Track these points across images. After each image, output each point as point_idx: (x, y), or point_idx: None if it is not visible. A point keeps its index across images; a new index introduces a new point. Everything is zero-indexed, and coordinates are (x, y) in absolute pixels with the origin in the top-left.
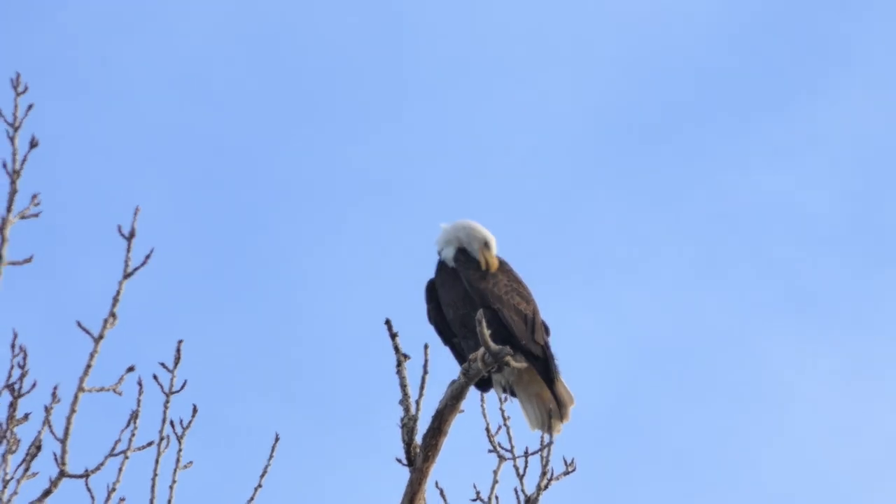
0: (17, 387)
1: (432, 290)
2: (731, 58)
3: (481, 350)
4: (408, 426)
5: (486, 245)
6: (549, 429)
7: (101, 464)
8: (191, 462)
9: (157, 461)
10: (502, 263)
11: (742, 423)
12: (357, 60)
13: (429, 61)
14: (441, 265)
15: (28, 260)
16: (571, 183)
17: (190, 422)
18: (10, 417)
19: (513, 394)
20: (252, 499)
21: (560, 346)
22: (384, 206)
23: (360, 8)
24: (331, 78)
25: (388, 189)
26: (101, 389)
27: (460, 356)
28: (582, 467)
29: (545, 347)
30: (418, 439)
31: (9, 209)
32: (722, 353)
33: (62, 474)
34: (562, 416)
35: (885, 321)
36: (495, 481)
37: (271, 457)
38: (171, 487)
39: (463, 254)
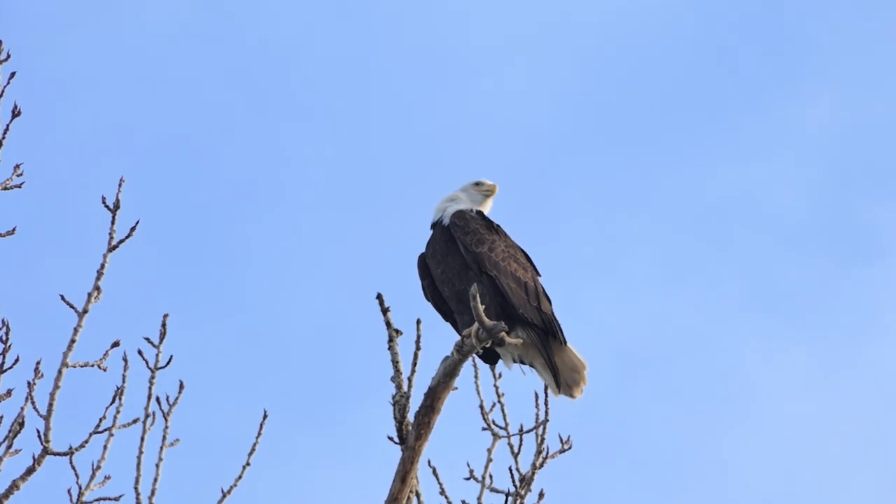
0: None
1: (425, 266)
2: (696, 55)
3: (475, 326)
4: (400, 403)
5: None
6: (570, 392)
7: (86, 441)
8: (177, 440)
9: (142, 439)
10: (500, 229)
11: (712, 421)
12: (326, 53)
13: (395, 55)
14: (433, 239)
15: (11, 232)
16: (537, 182)
17: (176, 398)
18: None
19: (522, 362)
20: (240, 477)
21: None
22: (365, 189)
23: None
24: (312, 66)
25: (366, 172)
26: (86, 365)
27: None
28: (578, 445)
29: (551, 316)
30: (410, 417)
31: None
32: (691, 352)
33: (46, 451)
34: (578, 380)
35: (853, 319)
36: (489, 459)
37: (259, 434)
38: (157, 465)
39: (459, 218)
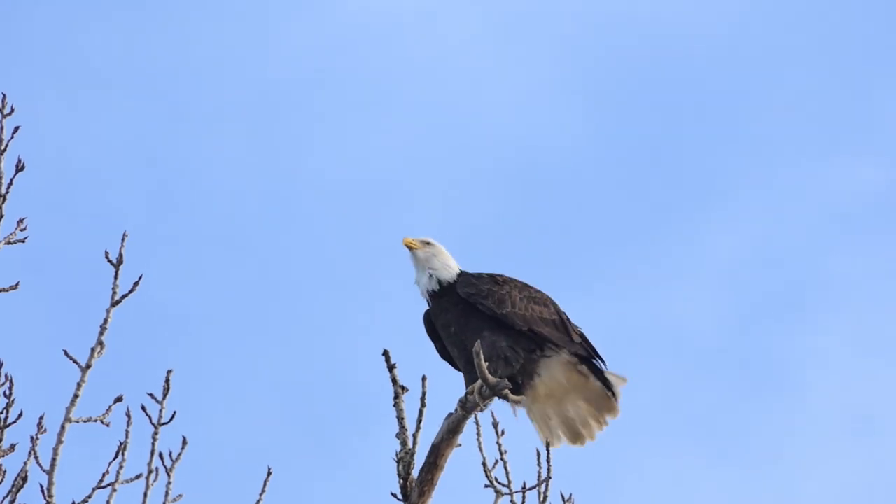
0: (2, 416)
1: (432, 325)
2: (610, 182)
3: (478, 382)
4: (404, 460)
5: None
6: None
7: (89, 496)
8: (180, 495)
9: (145, 494)
10: (499, 276)
11: None
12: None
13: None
14: (441, 308)
15: (14, 286)
16: None
17: (179, 454)
18: None
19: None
20: None
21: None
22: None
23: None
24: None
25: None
26: (89, 420)
27: None
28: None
29: (582, 339)
30: (415, 474)
31: None
32: (602, 473)
33: None
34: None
35: (763, 447)
36: None
37: (263, 491)
38: None
39: (467, 284)
